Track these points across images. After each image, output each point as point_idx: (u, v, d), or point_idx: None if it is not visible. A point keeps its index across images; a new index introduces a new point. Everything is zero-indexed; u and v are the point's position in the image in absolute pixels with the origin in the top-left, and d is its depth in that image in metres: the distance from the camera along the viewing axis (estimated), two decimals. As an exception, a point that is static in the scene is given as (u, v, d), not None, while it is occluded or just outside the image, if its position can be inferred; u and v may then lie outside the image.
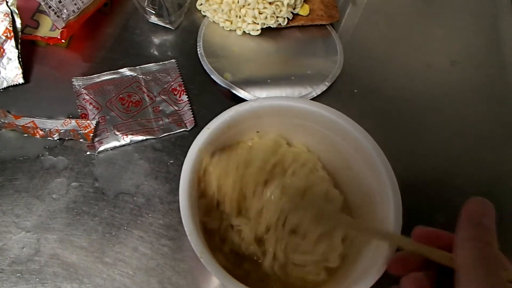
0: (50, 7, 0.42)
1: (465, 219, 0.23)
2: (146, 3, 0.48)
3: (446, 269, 0.24)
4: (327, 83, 0.48)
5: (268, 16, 0.48)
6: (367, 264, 0.31)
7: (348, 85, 0.50)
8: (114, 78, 0.46)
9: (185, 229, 0.30)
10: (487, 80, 0.53)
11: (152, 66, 0.47)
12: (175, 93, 0.46)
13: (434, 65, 0.54)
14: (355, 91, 0.49)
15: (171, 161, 0.42)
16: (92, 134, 0.41)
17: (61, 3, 0.43)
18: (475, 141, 0.47)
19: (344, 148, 0.36)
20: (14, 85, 0.44)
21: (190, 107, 0.45)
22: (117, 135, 0.42)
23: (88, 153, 0.41)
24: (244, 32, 0.50)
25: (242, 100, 0.45)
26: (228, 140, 0.36)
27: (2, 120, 0.41)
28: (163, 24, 0.51)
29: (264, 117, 0.36)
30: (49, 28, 0.48)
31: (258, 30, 0.50)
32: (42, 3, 0.41)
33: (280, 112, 0.36)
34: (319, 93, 0.47)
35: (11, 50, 0.44)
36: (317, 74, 0.48)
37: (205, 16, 0.52)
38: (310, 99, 0.42)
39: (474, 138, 0.48)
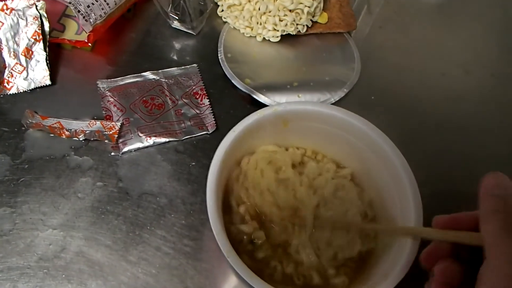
0: (79, 11, 0.43)
1: (484, 194, 0.24)
2: (169, 9, 0.49)
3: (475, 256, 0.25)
4: (345, 90, 0.49)
5: (288, 24, 0.50)
6: (388, 267, 0.31)
7: (365, 92, 0.50)
8: (137, 81, 0.47)
9: (213, 229, 0.30)
10: (501, 89, 0.54)
11: (174, 70, 0.48)
12: (197, 96, 0.47)
13: (448, 74, 0.55)
14: (372, 98, 0.50)
15: (193, 163, 0.43)
16: (116, 135, 0.42)
17: (89, 8, 0.44)
18: (489, 148, 0.48)
19: (365, 152, 0.37)
20: (41, 86, 0.46)
21: (211, 111, 0.46)
22: (140, 136, 0.43)
23: (112, 153, 0.42)
24: (264, 38, 0.51)
25: (262, 105, 0.46)
26: (253, 144, 0.37)
27: (30, 120, 0.43)
28: (184, 30, 0.52)
29: (288, 122, 0.37)
30: (74, 31, 0.49)
31: (278, 37, 0.51)
32: (72, 8, 0.43)
33: (304, 117, 0.37)
34: (337, 99, 0.48)
35: (39, 52, 0.45)
36: (335, 80, 0.49)
37: (226, 22, 0.53)
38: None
39: (488, 144, 0.48)
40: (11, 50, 0.45)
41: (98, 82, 0.46)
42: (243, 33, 0.52)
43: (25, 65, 0.45)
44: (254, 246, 0.35)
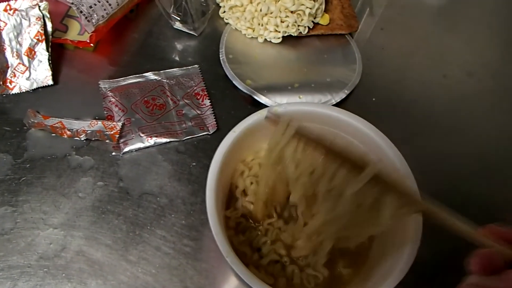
0: (81, 12, 0.43)
1: None
2: (171, 10, 0.50)
3: None
4: (346, 91, 0.49)
5: (290, 25, 0.50)
6: (387, 269, 0.31)
7: (366, 93, 0.50)
8: (139, 81, 0.47)
9: (212, 229, 0.30)
10: (503, 91, 0.54)
11: (176, 70, 0.48)
12: (198, 97, 0.47)
13: (450, 76, 0.54)
14: (373, 99, 0.50)
15: (194, 164, 0.43)
16: (117, 135, 0.43)
17: (92, 9, 0.44)
18: (490, 150, 0.48)
19: (365, 154, 0.37)
20: (43, 86, 0.46)
21: (212, 112, 0.46)
22: (141, 137, 0.43)
23: (113, 153, 0.43)
24: (265, 39, 0.52)
25: (263, 105, 0.46)
26: (253, 144, 0.37)
27: (32, 120, 0.43)
28: (186, 31, 0.52)
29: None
30: (77, 32, 0.49)
31: (279, 38, 0.51)
32: (74, 8, 0.43)
33: (304, 118, 0.36)
34: (338, 100, 0.48)
35: (42, 52, 0.46)
36: (336, 82, 0.49)
37: (228, 23, 0.53)
38: (331, 106, 0.43)
39: (489, 147, 0.48)
40: (14, 50, 0.45)
41: (100, 82, 0.47)
42: (245, 34, 0.52)
43: (27, 65, 0.46)
44: (259, 254, 0.35)
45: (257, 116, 0.35)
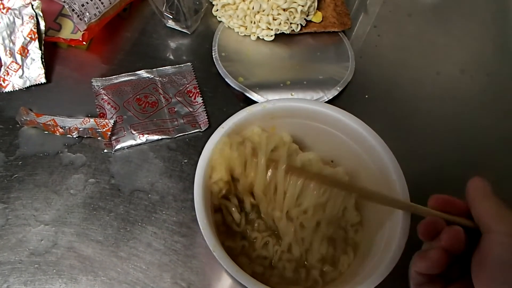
0: (73, 10, 0.43)
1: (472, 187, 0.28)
2: (164, 8, 0.50)
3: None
4: (338, 88, 0.49)
5: (282, 22, 0.50)
6: (377, 261, 0.31)
7: (359, 90, 0.50)
8: (131, 79, 0.47)
9: (199, 223, 0.31)
10: (496, 88, 0.54)
11: (168, 68, 0.49)
12: (190, 95, 0.47)
13: (443, 73, 0.54)
14: (366, 96, 0.50)
15: (185, 161, 0.43)
16: (109, 133, 0.43)
17: (84, 7, 0.44)
18: (481, 147, 0.48)
19: (355, 150, 0.37)
20: (36, 84, 0.46)
21: (204, 109, 0.46)
22: (133, 134, 0.43)
23: (105, 151, 0.43)
24: (258, 37, 0.52)
25: (255, 103, 0.46)
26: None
27: (24, 118, 0.43)
28: (179, 29, 0.52)
29: (277, 119, 0.37)
30: (70, 31, 0.49)
31: (272, 35, 0.51)
32: (66, 7, 0.43)
33: (292, 114, 0.37)
34: (330, 97, 0.48)
35: (34, 51, 0.46)
36: (328, 79, 0.49)
37: (221, 21, 0.53)
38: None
39: (481, 144, 0.48)
40: (7, 48, 0.46)
41: (92, 80, 0.47)
42: (237, 32, 0.52)
43: (20, 63, 0.46)
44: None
45: (245, 112, 0.36)
